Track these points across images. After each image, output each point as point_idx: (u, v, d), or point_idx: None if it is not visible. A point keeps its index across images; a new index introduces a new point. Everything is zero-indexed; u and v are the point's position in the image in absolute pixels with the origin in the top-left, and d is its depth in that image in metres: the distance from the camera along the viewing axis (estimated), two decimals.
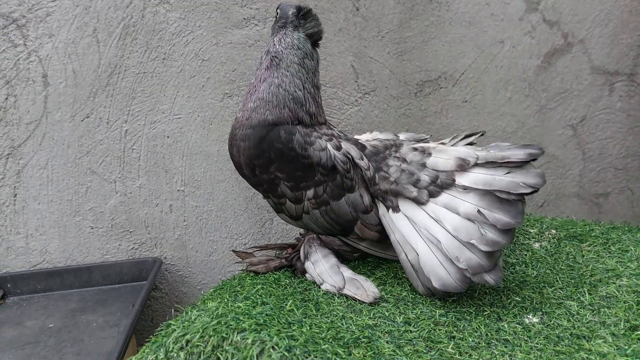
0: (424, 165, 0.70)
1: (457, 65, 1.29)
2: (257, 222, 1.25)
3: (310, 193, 0.72)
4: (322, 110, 0.86)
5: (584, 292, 0.62)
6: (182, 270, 1.24)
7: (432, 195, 0.67)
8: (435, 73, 1.28)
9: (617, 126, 1.46)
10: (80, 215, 1.15)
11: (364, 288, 0.66)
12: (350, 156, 0.74)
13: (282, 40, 0.80)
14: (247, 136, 0.77)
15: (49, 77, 1.07)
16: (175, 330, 0.52)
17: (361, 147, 0.78)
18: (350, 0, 1.19)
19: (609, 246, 0.74)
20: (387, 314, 0.59)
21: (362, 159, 0.74)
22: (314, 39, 0.82)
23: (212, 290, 0.65)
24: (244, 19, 1.14)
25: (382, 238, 0.71)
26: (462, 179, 0.65)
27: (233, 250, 0.91)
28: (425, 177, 0.69)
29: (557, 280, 0.66)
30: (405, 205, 0.70)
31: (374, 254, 0.72)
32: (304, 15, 0.81)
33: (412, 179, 0.69)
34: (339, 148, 0.75)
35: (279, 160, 0.73)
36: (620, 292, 0.60)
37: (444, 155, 0.70)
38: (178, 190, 1.19)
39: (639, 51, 1.42)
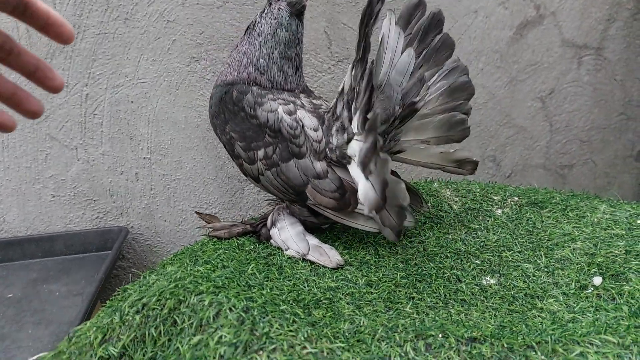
0: None
1: None
2: (227, 192, 1.23)
3: (260, 153, 0.74)
4: (293, 78, 0.84)
5: (541, 255, 0.63)
6: (150, 239, 1.21)
7: None
8: None
9: (583, 99, 1.48)
10: (40, 183, 1.11)
11: (328, 255, 0.66)
12: (301, 123, 0.73)
13: (265, 10, 0.81)
14: (211, 96, 0.81)
15: None
16: (131, 294, 0.50)
17: (323, 120, 0.77)
18: None
19: (568, 212, 0.76)
20: (349, 276, 0.59)
21: (316, 130, 0.73)
22: (297, 9, 0.81)
23: (172, 255, 0.64)
24: None
25: (342, 205, 0.70)
26: None
27: (196, 212, 0.89)
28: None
29: (515, 245, 0.68)
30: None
31: (341, 222, 0.72)
32: None
33: None
34: (291, 113, 0.74)
35: (231, 120, 0.76)
36: (574, 255, 0.62)
37: None
38: (144, 158, 1.15)
39: (607, 25, 1.43)
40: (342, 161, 0.71)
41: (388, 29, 0.73)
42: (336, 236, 0.72)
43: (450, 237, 0.71)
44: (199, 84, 1.14)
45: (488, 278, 0.60)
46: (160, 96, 1.12)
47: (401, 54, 0.71)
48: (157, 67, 1.10)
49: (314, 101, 0.83)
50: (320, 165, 0.71)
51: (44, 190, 1.12)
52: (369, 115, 0.62)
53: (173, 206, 1.20)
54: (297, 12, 0.82)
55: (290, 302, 0.50)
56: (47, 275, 1.03)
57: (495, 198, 0.84)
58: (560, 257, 0.62)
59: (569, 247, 0.64)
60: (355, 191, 0.67)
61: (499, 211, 0.79)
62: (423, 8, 0.74)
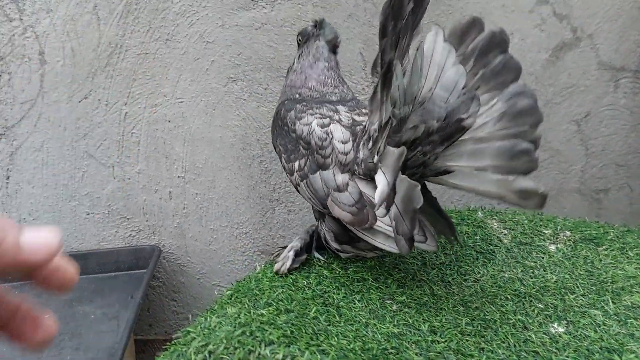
0: None
1: None
2: (258, 212, 1.21)
3: (296, 165, 0.76)
4: (337, 91, 0.88)
5: (608, 300, 0.60)
6: (180, 259, 1.20)
7: None
8: None
9: (620, 123, 1.44)
10: (76, 200, 1.10)
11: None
12: (331, 135, 0.72)
13: (302, 51, 0.89)
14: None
15: (46, 55, 1.00)
16: (195, 338, 0.48)
17: (356, 134, 0.75)
18: None
19: (627, 251, 0.72)
20: (410, 320, 0.57)
21: (345, 143, 0.71)
22: (333, 44, 0.88)
23: (228, 293, 0.62)
24: (252, 0, 1.08)
25: (359, 220, 0.67)
26: None
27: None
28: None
29: (577, 286, 0.65)
30: None
31: (363, 238, 0.69)
32: (320, 24, 0.87)
33: None
34: (323, 125, 0.75)
35: (279, 134, 0.80)
36: None
37: None
38: (178, 177, 1.14)
39: None
40: (369, 174, 0.68)
41: (433, 44, 0.70)
42: (387, 272, 0.70)
43: (506, 275, 0.68)
44: (235, 104, 1.13)
45: (555, 325, 0.57)
46: (197, 116, 1.11)
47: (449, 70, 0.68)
48: (195, 87, 1.10)
49: (356, 117, 0.81)
50: (341, 178, 0.69)
51: (79, 207, 1.11)
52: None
53: (204, 226, 1.19)
54: (333, 48, 0.89)
55: (359, 353, 0.47)
56: (81, 295, 1.02)
57: (546, 232, 0.81)
58: (630, 304, 0.59)
59: (638, 292, 0.60)
60: (374, 206, 0.64)
61: (553, 247, 0.76)
62: (480, 26, 0.70)
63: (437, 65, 0.68)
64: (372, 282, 0.65)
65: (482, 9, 1.24)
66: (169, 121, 1.11)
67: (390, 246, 0.63)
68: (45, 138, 1.05)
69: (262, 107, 1.15)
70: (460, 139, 0.66)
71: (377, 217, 0.64)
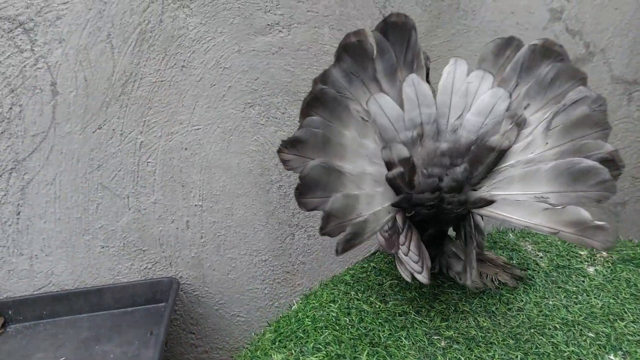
0: None
1: None
2: (277, 238, 1.19)
3: None
4: None
5: None
6: (198, 290, 1.17)
7: None
8: None
9: (634, 135, 1.46)
10: (90, 234, 1.08)
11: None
12: None
13: None
14: None
15: (58, 86, 0.99)
16: None
17: None
18: (377, 7, 1.14)
19: None
20: (462, 358, 0.55)
21: None
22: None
23: (270, 336, 0.60)
24: (268, 25, 1.08)
25: (389, 245, 0.64)
26: None
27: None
28: None
29: (625, 312, 0.64)
30: None
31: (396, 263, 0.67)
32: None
33: None
34: None
35: None
36: None
37: None
38: (195, 205, 1.12)
39: None
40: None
41: (452, 74, 0.69)
42: (429, 304, 0.68)
43: (550, 302, 0.67)
44: (253, 130, 1.12)
45: (612, 357, 0.56)
46: (214, 143, 1.11)
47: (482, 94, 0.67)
48: (211, 113, 1.09)
49: None
50: None
51: (93, 241, 1.09)
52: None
53: (222, 254, 1.17)
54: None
55: None
56: (97, 334, 0.99)
57: (582, 253, 0.80)
58: None
59: None
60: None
61: (591, 269, 0.75)
62: (517, 43, 0.68)
63: (464, 92, 0.67)
64: (414, 315, 0.64)
65: (496, 28, 1.25)
66: (185, 149, 1.10)
67: (402, 272, 0.60)
68: (57, 171, 1.03)
69: (280, 131, 1.15)
70: (508, 163, 0.61)
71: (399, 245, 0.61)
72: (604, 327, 0.61)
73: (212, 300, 1.19)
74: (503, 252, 0.83)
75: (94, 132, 1.04)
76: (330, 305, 0.65)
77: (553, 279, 0.74)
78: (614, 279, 0.72)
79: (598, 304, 0.66)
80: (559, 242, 0.85)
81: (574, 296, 0.68)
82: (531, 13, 1.27)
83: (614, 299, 0.67)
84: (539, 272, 0.75)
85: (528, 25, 1.28)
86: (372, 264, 0.79)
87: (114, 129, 1.05)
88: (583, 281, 0.72)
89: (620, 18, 1.35)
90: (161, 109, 1.06)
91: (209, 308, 1.19)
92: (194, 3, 1.03)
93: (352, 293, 0.70)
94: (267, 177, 1.15)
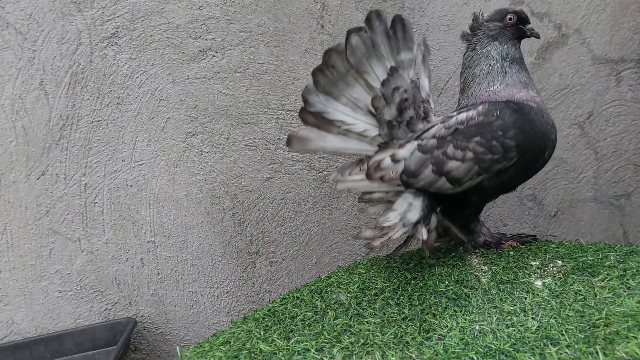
0: None
1: (440, 73, 1.19)
2: (237, 268, 1.16)
3: None
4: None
5: (597, 353, 0.50)
6: (161, 327, 1.15)
7: None
8: None
9: (630, 118, 1.33)
10: (46, 280, 1.08)
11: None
12: None
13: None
14: None
15: None
16: None
17: None
18: (313, 18, 1.10)
19: (627, 279, 0.62)
20: None
21: None
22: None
23: None
24: (200, 51, 1.07)
25: None
26: None
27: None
28: None
29: (563, 334, 0.55)
30: None
31: None
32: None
33: None
34: None
35: None
36: None
37: None
38: (148, 241, 1.11)
39: None
40: None
41: None
42: (336, 338, 0.62)
43: (477, 327, 0.59)
44: (198, 158, 1.10)
45: None
46: (159, 176, 1.09)
47: None
48: (153, 147, 1.08)
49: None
50: None
51: (50, 286, 1.09)
52: None
53: (182, 289, 1.14)
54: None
55: None
56: None
57: (534, 264, 0.71)
58: (624, 355, 0.48)
59: (635, 337, 0.50)
60: None
61: (539, 282, 0.66)
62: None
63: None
64: (314, 354, 0.57)
65: (449, 22, 1.18)
66: (131, 186, 1.09)
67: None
68: (7, 220, 1.05)
69: (227, 157, 1.12)
70: None
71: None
72: (531, 356, 0.52)
73: (176, 337, 1.16)
74: (444, 269, 0.75)
75: (38, 179, 1.05)
76: (220, 348, 0.60)
77: (491, 297, 0.65)
78: (561, 293, 0.63)
79: (534, 325, 0.57)
80: (511, 253, 0.76)
81: (509, 317, 0.60)
82: (488, 0, 1.19)
83: (555, 317, 0.58)
84: (477, 290, 0.67)
85: (486, 14, 1.19)
86: (295, 294, 0.74)
87: (57, 174, 1.05)
88: (525, 298, 0.63)
89: None
90: (102, 148, 1.06)
91: (174, 345, 1.16)
92: (121, 39, 1.03)
93: (256, 331, 0.65)
94: (219, 206, 1.13)
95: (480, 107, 0.76)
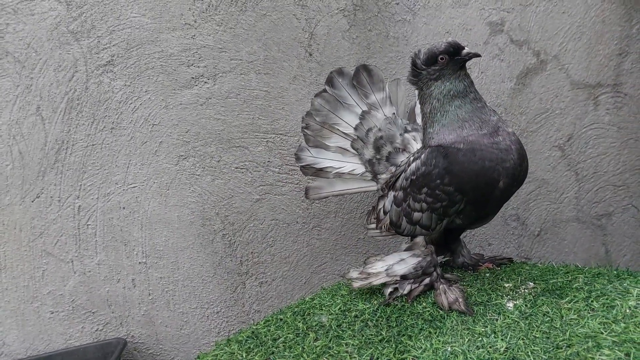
0: None
1: None
2: (228, 288, 1.19)
3: None
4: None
5: None
6: (152, 347, 1.17)
7: None
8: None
9: (608, 141, 1.38)
10: (38, 301, 1.11)
11: None
12: None
13: None
14: None
15: None
16: None
17: None
18: (302, 47, 1.16)
19: (592, 301, 0.66)
20: None
21: None
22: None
23: None
24: (192, 78, 1.12)
25: None
26: None
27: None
28: None
29: (529, 355, 0.58)
30: None
31: None
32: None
33: None
34: None
35: None
36: None
37: None
38: (140, 262, 1.14)
39: (619, 60, 1.35)
40: None
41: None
42: None
43: (449, 348, 0.62)
44: (189, 181, 1.14)
45: None
46: (152, 198, 1.13)
47: None
48: (146, 170, 1.12)
49: None
50: None
51: (42, 307, 1.11)
52: None
53: (173, 310, 1.17)
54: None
55: None
56: None
57: (507, 286, 0.75)
58: None
59: (593, 358, 0.53)
60: None
61: (511, 304, 0.70)
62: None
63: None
64: None
65: None
66: (124, 208, 1.12)
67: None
68: (1, 242, 1.08)
69: (218, 179, 1.16)
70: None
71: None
72: None
73: (166, 357, 1.18)
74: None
75: (33, 202, 1.08)
76: None
77: (465, 318, 0.69)
78: (531, 315, 0.67)
79: (502, 346, 0.61)
80: (487, 274, 0.80)
81: (480, 339, 0.64)
82: (468, 30, 1.25)
83: (523, 339, 0.62)
84: (452, 312, 0.70)
85: (467, 43, 1.25)
86: (279, 316, 0.77)
87: (51, 196, 1.09)
88: (496, 319, 0.67)
89: (570, 21, 1.31)
90: (95, 172, 1.10)
91: None
92: (116, 67, 1.08)
93: (238, 353, 0.68)
94: (210, 227, 1.16)
95: (422, 156, 0.78)
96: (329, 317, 0.74)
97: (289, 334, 0.70)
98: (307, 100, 1.18)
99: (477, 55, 0.80)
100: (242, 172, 1.17)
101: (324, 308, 0.78)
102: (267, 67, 1.16)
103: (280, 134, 1.18)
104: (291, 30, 1.15)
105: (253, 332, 0.73)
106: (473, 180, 0.73)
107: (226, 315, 1.20)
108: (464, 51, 0.80)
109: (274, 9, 1.14)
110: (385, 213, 0.85)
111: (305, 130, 0.99)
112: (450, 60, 0.81)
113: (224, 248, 1.18)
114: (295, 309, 0.79)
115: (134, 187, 1.12)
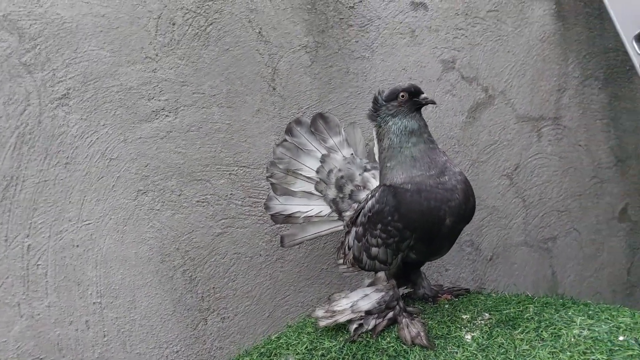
0: None
1: None
2: (188, 326, 1.17)
3: None
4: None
5: None
6: None
7: None
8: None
9: (551, 170, 1.50)
10: None
11: None
12: None
13: None
14: None
15: None
16: None
17: None
18: (265, 81, 1.19)
19: (542, 331, 0.71)
20: None
21: None
22: None
23: None
24: (153, 111, 1.12)
25: None
26: None
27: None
28: None
29: None
30: None
31: None
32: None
33: None
34: None
35: None
36: None
37: None
38: (94, 303, 1.10)
39: (558, 95, 1.48)
40: None
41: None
42: None
43: None
44: (148, 216, 1.13)
45: None
46: (107, 235, 1.10)
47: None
48: (101, 206, 1.09)
49: None
50: None
51: None
52: None
53: (129, 351, 1.13)
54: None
55: None
56: None
57: (465, 317, 0.80)
58: None
59: None
60: None
61: (469, 337, 0.74)
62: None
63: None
64: None
65: (390, 85, 1.30)
66: (77, 246, 1.09)
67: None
68: None
69: (178, 214, 1.15)
70: None
71: None
72: None
73: None
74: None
75: None
76: None
77: (427, 353, 0.73)
78: (487, 347, 0.71)
79: None
80: (446, 306, 0.85)
81: None
82: (423, 67, 1.33)
83: None
84: (414, 346, 0.74)
85: (422, 79, 1.34)
86: (245, 359, 0.77)
87: None
88: (456, 352, 0.71)
89: (515, 60, 1.42)
90: (47, 209, 1.06)
91: None
92: (72, 100, 1.06)
93: None
94: (169, 264, 1.14)
95: (377, 194, 0.84)
96: (296, 356, 0.75)
97: None
98: (270, 132, 1.20)
99: (433, 103, 0.88)
100: (204, 206, 1.17)
101: (290, 347, 0.79)
102: (229, 100, 1.17)
103: (243, 167, 1.19)
104: (254, 65, 1.18)
105: None
106: (420, 218, 0.78)
107: (186, 354, 1.18)
108: (422, 95, 0.87)
109: (237, 44, 1.17)
110: (349, 248, 0.89)
111: (271, 179, 1.06)
112: (409, 100, 0.87)
113: (184, 284, 1.16)
114: (262, 350, 0.79)
115: (89, 224, 1.09)
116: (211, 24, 1.14)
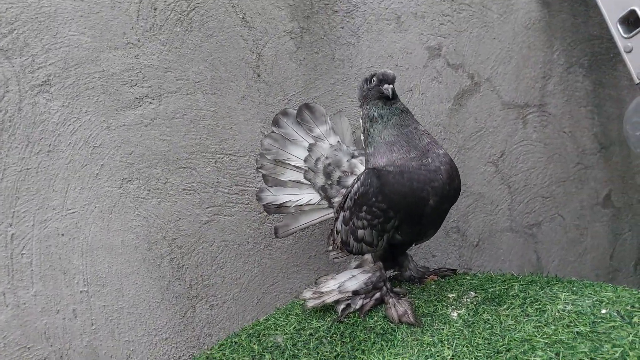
0: None
1: None
2: (176, 313, 1.17)
3: None
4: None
5: None
6: None
7: None
8: None
9: (536, 156, 1.52)
10: None
11: None
12: None
13: None
14: None
15: None
16: None
17: None
18: (250, 67, 1.19)
19: (527, 307, 0.73)
20: None
21: None
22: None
23: None
24: (136, 98, 1.11)
25: None
26: None
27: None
28: None
29: None
30: None
31: None
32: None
33: None
34: None
35: None
36: None
37: None
38: (81, 291, 1.10)
39: (543, 82, 1.50)
40: None
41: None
42: None
43: (400, 359, 0.67)
44: (134, 204, 1.12)
45: None
46: (93, 224, 1.09)
47: None
48: (86, 194, 1.09)
49: None
50: None
51: None
52: None
53: (118, 339, 1.13)
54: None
55: None
56: None
57: (451, 296, 0.81)
58: None
59: (528, 359, 0.60)
60: None
61: (455, 314, 0.76)
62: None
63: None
64: None
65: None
66: (62, 234, 1.08)
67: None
68: None
69: (164, 202, 1.15)
70: None
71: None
72: None
73: None
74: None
75: None
76: None
77: (414, 330, 0.74)
78: (473, 323, 0.73)
79: (449, 354, 0.66)
80: (432, 286, 0.86)
81: (428, 348, 0.69)
82: (409, 53, 1.34)
83: (467, 346, 0.68)
84: (402, 324, 0.75)
85: (408, 66, 1.34)
86: (234, 339, 0.78)
87: None
88: (442, 329, 0.73)
89: (500, 47, 1.44)
90: (31, 197, 1.05)
91: None
92: (53, 87, 1.05)
93: None
94: (156, 252, 1.14)
95: (362, 177, 0.85)
96: (284, 336, 0.76)
97: (244, 356, 0.71)
98: (255, 120, 1.20)
99: (388, 98, 0.87)
100: (190, 194, 1.17)
101: (278, 328, 0.80)
102: (214, 87, 1.17)
103: (229, 154, 1.19)
104: (238, 50, 1.18)
105: (207, 357, 0.74)
106: (403, 199, 0.80)
107: (175, 341, 1.18)
108: (384, 86, 0.86)
109: (221, 30, 1.16)
110: (337, 233, 0.90)
111: (261, 170, 1.08)
112: (376, 86, 0.88)
113: (172, 272, 1.16)
114: (250, 331, 0.80)
115: (74, 212, 1.08)
116: (194, 8, 1.13)
